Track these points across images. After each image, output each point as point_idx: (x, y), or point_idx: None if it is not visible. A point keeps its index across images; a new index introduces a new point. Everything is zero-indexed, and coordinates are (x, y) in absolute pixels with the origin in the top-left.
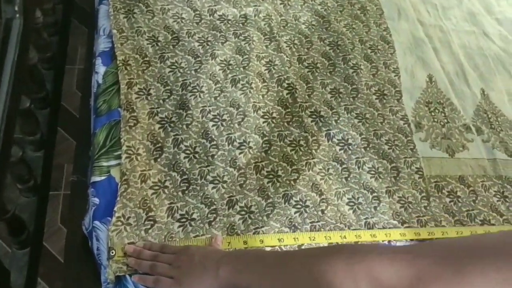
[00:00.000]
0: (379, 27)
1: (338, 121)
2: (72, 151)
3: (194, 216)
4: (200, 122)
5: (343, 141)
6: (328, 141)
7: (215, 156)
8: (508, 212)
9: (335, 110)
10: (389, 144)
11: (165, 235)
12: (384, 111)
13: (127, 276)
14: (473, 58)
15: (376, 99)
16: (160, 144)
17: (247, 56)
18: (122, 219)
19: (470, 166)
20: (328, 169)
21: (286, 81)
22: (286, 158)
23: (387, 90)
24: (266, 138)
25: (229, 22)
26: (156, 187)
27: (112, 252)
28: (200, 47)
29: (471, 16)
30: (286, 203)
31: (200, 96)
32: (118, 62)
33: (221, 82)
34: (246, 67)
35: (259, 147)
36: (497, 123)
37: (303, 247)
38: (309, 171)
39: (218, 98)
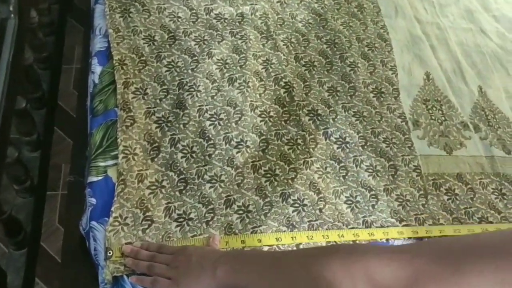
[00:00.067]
0: (376, 25)
1: (336, 120)
2: (69, 151)
3: (192, 215)
4: (197, 121)
5: (340, 139)
6: (325, 140)
7: (213, 156)
8: (506, 209)
9: (332, 109)
10: (387, 142)
11: (163, 235)
12: (382, 109)
13: (125, 277)
14: (470, 55)
15: (373, 97)
16: (157, 144)
17: (244, 55)
18: (119, 219)
19: (468, 164)
20: (326, 167)
21: (283, 80)
22: (283, 157)
23: (385, 88)
24: (264, 137)
25: (226, 21)
26: (153, 187)
27: (110, 253)
28: (197, 46)
29: (468, 13)
30: (284, 202)
31: (197, 96)
32: (114, 61)
33: (218, 81)
34: (243, 66)
35: (256, 146)
36: (494, 120)
37: (301, 246)
38: (306, 169)
39: (215, 97)
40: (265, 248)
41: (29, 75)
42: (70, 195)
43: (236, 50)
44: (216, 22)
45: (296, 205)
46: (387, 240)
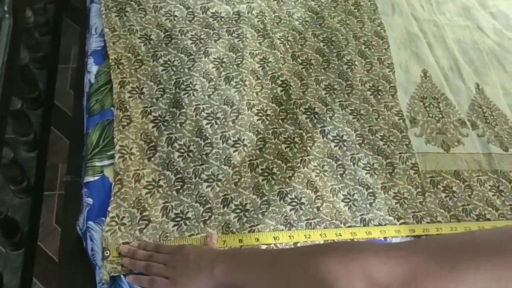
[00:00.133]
0: (373, 22)
1: (333, 118)
2: (66, 151)
3: (189, 215)
4: (194, 120)
5: (338, 137)
6: (323, 138)
7: (210, 155)
8: (504, 206)
9: (329, 107)
10: (384, 140)
11: (160, 235)
12: (379, 107)
13: (122, 276)
14: (467, 52)
15: (370, 95)
16: (153, 143)
17: (240, 53)
18: (116, 219)
19: (465, 161)
20: (323, 166)
21: (280, 78)
22: (281, 156)
23: (382, 86)
24: (261, 135)
25: (222, 19)
26: (150, 187)
27: (107, 253)
28: (193, 45)
29: (465, 10)
30: (281, 201)
31: (193, 95)
32: (110, 61)
33: (214, 80)
34: (240, 65)
35: (253, 145)
36: (492, 117)
37: (298, 245)
38: (304, 168)
39: (212, 96)
40: (263, 247)
41: (25, 75)
42: (67, 195)
43: (233, 48)
44: (213, 20)
45: (294, 203)
46: (384, 238)
